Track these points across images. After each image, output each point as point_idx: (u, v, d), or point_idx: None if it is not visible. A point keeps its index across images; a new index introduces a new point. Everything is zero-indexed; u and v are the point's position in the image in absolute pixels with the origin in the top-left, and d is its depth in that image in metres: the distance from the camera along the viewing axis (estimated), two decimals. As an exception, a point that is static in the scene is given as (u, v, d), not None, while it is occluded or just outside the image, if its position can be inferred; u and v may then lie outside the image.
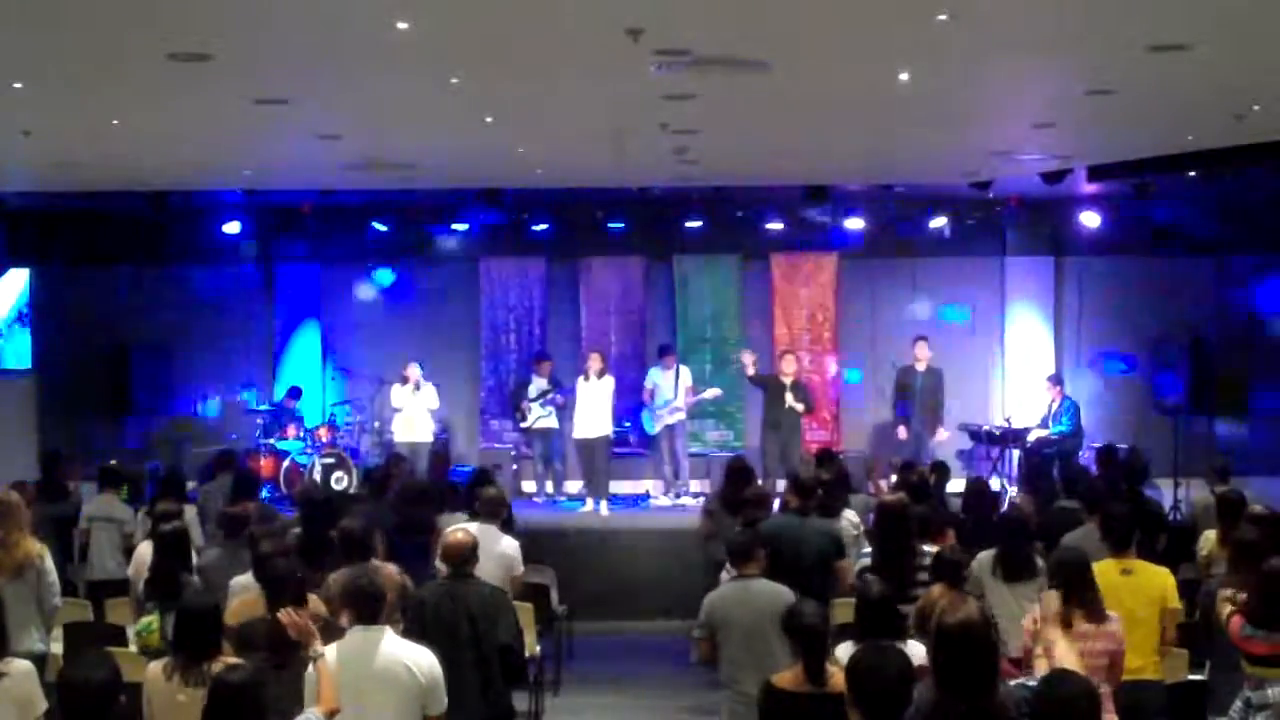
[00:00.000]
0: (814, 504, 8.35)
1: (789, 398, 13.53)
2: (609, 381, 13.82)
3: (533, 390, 14.33)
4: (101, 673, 4.55)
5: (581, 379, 13.82)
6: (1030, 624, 5.84)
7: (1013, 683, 4.73)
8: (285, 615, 5.45)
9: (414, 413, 13.82)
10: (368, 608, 5.53)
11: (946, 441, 14.23)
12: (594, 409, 13.66)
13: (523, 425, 14.52)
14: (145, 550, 7.94)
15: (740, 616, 6.48)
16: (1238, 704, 4.62)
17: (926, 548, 7.24)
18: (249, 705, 4.66)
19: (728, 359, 15.53)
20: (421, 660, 5.47)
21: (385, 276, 15.74)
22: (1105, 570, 6.66)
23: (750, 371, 13.86)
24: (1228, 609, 6.00)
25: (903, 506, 7.56)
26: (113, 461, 11.47)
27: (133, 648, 6.93)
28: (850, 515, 8.87)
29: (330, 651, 5.38)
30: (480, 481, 9.44)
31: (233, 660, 5.33)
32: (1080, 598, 5.80)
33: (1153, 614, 6.59)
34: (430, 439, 13.95)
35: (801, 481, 8.55)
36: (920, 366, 13.97)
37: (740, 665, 6.39)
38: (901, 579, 6.94)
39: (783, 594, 6.44)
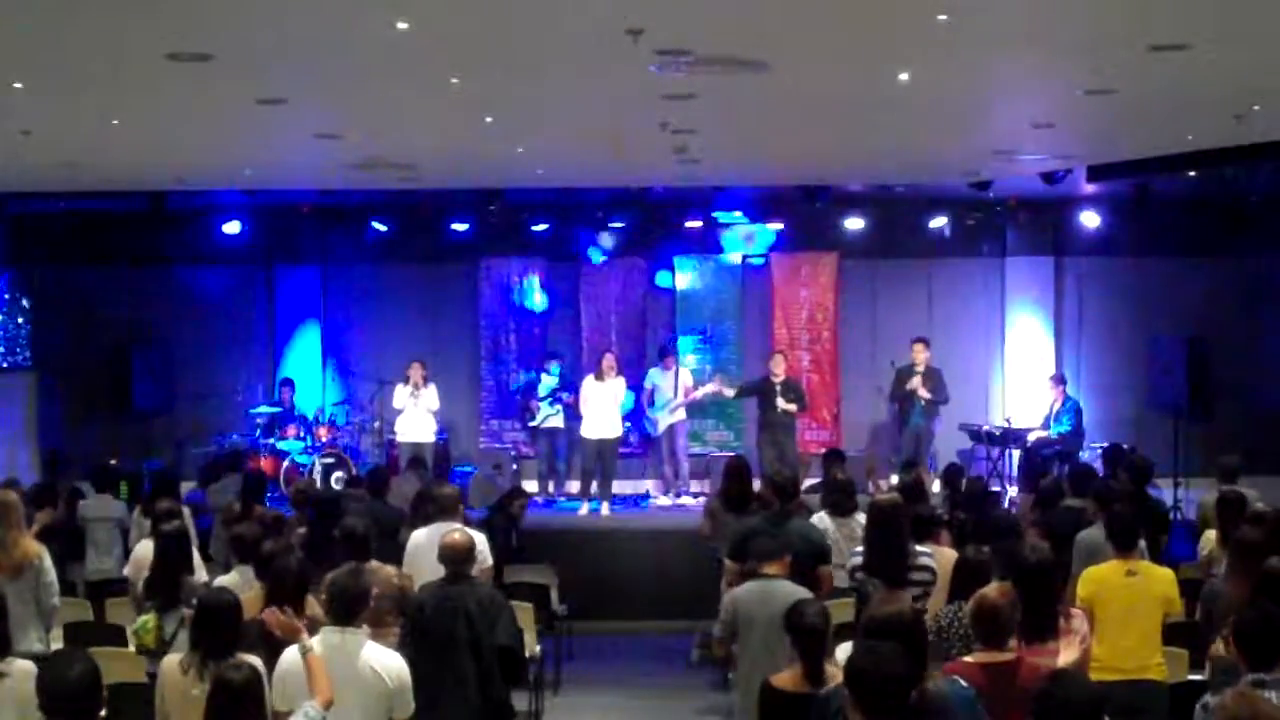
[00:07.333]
0: (794, 506, 8.23)
1: (779, 399, 13.49)
2: (620, 382, 13.80)
3: (542, 389, 14.35)
4: (79, 668, 4.50)
5: (593, 378, 13.80)
6: None
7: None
8: (270, 614, 5.50)
9: (416, 413, 13.82)
10: (345, 609, 5.55)
11: (946, 441, 14.22)
12: (606, 409, 13.64)
13: (531, 424, 14.55)
14: (145, 549, 7.93)
15: (762, 616, 6.37)
16: (1198, 709, 4.61)
17: (919, 548, 7.21)
18: (250, 703, 4.69)
19: (728, 359, 15.53)
20: (390, 664, 5.50)
21: None
22: (1111, 571, 6.73)
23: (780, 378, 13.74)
24: None
25: (894, 506, 7.42)
26: (112, 461, 11.48)
27: (132, 647, 6.92)
28: (860, 517, 8.84)
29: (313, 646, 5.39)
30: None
31: (239, 659, 5.32)
32: (1041, 609, 5.60)
33: (1156, 616, 6.67)
34: (432, 439, 13.95)
35: (778, 483, 8.39)
36: (919, 368, 13.95)
37: (760, 666, 6.14)
38: (893, 579, 6.91)
39: (804, 595, 6.36)
